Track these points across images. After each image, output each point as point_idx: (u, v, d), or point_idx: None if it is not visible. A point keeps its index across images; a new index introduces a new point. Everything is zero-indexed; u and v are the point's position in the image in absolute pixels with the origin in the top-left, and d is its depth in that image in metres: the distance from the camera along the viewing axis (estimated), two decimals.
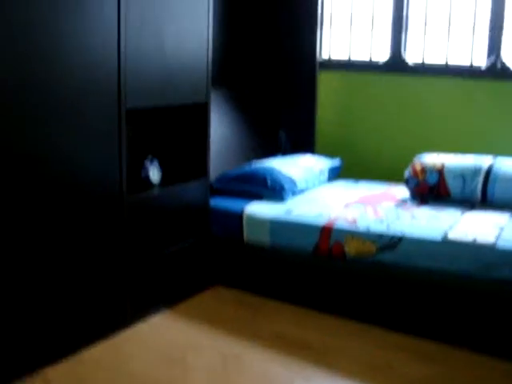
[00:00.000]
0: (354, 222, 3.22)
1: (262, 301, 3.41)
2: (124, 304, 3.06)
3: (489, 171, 3.48)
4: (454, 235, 2.97)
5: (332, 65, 4.59)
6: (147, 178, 3.28)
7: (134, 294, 3.11)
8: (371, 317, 3.15)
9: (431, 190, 3.59)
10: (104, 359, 2.78)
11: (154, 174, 3.32)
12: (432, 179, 3.58)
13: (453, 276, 2.93)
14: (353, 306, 3.22)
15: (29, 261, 2.54)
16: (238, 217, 3.48)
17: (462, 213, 3.34)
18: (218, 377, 2.66)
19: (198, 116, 3.50)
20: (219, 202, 3.61)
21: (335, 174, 4.24)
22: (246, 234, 3.45)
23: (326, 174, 4.13)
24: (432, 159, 3.66)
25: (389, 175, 4.19)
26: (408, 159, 3.87)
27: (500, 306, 2.86)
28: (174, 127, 3.55)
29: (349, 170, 4.34)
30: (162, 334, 3.07)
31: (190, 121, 3.52)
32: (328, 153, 4.40)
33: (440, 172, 3.56)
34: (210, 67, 3.45)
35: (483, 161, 3.57)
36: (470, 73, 4.10)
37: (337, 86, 4.58)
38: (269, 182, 3.65)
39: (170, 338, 3.01)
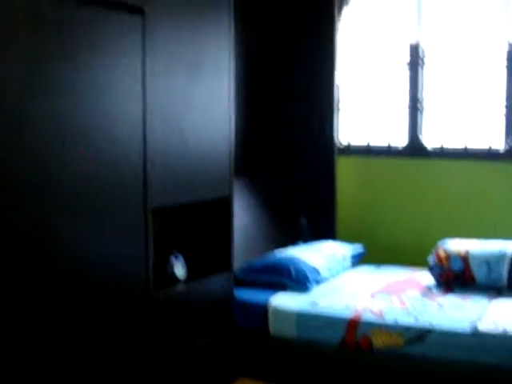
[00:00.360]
0: (381, 314, 3.19)
1: None
2: None
3: None
4: (483, 326, 2.94)
5: (351, 150, 4.65)
6: (173, 273, 3.29)
7: None
8: None
9: (456, 277, 3.56)
10: None
11: (179, 269, 3.32)
12: (457, 266, 3.55)
13: (483, 368, 2.88)
14: None
15: (55, 357, 2.52)
16: (263, 309, 3.46)
17: (489, 300, 3.30)
18: None
19: (222, 209, 3.53)
20: (243, 294, 3.59)
21: (358, 260, 4.23)
22: (272, 327, 3.42)
23: (349, 261, 4.11)
24: (456, 245, 3.64)
25: (412, 260, 4.16)
26: (430, 244, 3.87)
27: None
28: (198, 222, 3.58)
29: (371, 254, 4.31)
30: None
31: (214, 214, 3.54)
32: (349, 238, 4.40)
33: (464, 259, 3.54)
34: (232, 159, 3.50)
35: (508, 246, 3.55)
36: (489, 156, 4.14)
37: (356, 171, 4.62)
38: (293, 272, 3.64)
39: None
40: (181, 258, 3.36)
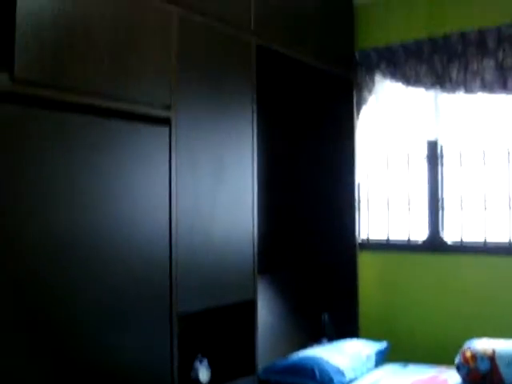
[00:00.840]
0: None
1: None
2: None
3: None
4: None
5: (371, 245, 4.67)
6: (197, 379, 3.26)
7: None
8: None
9: (484, 378, 3.49)
10: None
11: (204, 374, 3.29)
12: (484, 366, 3.49)
13: None
14: None
15: None
16: None
17: None
18: None
19: (246, 312, 3.52)
20: None
21: (382, 358, 4.16)
22: None
23: (373, 359, 4.04)
24: (482, 345, 3.58)
25: (437, 357, 4.09)
26: (455, 340, 3.83)
27: None
28: (223, 325, 3.56)
29: (395, 351, 4.25)
30: None
31: (238, 317, 3.53)
32: (373, 334, 4.35)
33: (491, 359, 3.48)
34: (256, 260, 3.52)
35: None
36: (509, 250, 4.13)
37: (377, 266, 4.62)
38: (317, 373, 3.59)
39: None
40: (205, 361, 3.34)
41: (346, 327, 4.43)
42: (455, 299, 4.26)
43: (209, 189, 3.19)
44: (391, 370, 4.02)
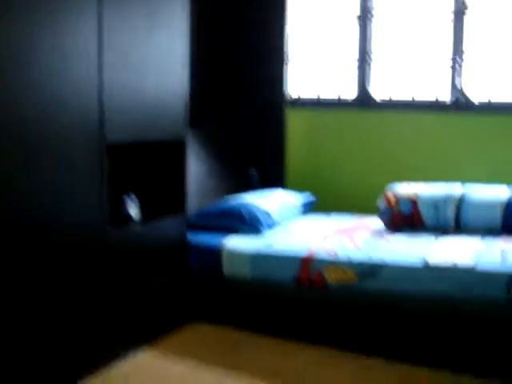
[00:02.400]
0: (334, 252, 3.20)
1: (245, 335, 3.34)
2: (104, 341, 2.96)
3: (460, 199, 3.53)
4: (434, 260, 2.98)
5: (302, 103, 4.65)
6: (127, 213, 3.22)
7: (114, 331, 3.02)
8: (355, 344, 3.11)
9: (405, 220, 3.61)
10: None
11: (133, 209, 3.26)
12: (406, 209, 3.60)
13: (434, 299, 2.93)
14: (337, 335, 3.18)
15: (16, 295, 2.46)
16: (217, 251, 3.43)
17: (436, 238, 3.37)
18: None
19: (176, 153, 3.49)
20: (197, 237, 3.56)
21: (308, 209, 4.23)
22: (226, 268, 3.40)
23: (299, 209, 4.12)
24: (404, 189, 3.69)
25: (361, 207, 4.20)
26: (379, 191, 3.91)
27: (482, 325, 2.86)
28: (153, 163, 3.52)
29: (321, 203, 4.34)
30: (144, 370, 2.97)
31: (168, 158, 3.50)
32: (299, 188, 4.40)
33: (413, 202, 3.58)
34: (187, 107, 3.47)
35: (454, 189, 3.62)
36: (435, 107, 4.19)
37: (306, 123, 4.63)
38: (245, 216, 3.63)
39: (152, 375, 2.92)
40: (135, 198, 3.30)
41: (273, 181, 4.45)
42: (380, 153, 4.36)
43: (139, 42, 3.08)
44: (316, 218, 4.10)
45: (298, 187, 4.43)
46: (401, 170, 4.24)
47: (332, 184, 4.47)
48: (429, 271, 2.94)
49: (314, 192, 4.34)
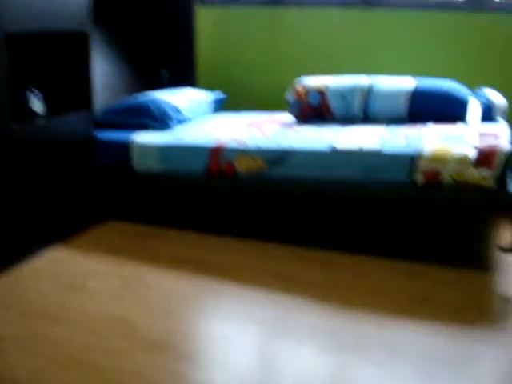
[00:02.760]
0: (243, 141, 3.20)
1: (158, 229, 3.35)
2: (15, 239, 2.91)
3: (367, 89, 3.57)
4: (340, 145, 3.04)
5: (211, 1, 4.57)
6: (30, 108, 3.10)
7: (24, 228, 2.96)
8: (267, 233, 3.18)
9: (314, 111, 3.63)
10: None
11: (37, 105, 3.14)
12: (314, 100, 3.62)
13: (341, 183, 3.00)
14: (247, 223, 3.23)
15: None
16: (127, 146, 3.38)
17: (344, 127, 3.42)
18: (122, 297, 2.59)
19: (80, 47, 3.35)
20: (106, 134, 3.49)
21: (219, 106, 4.20)
22: (136, 162, 3.36)
23: (211, 106, 4.08)
24: (314, 81, 3.70)
25: (271, 104, 4.20)
26: (289, 87, 3.91)
27: (387, 207, 2.96)
28: (56, 57, 3.38)
29: (232, 102, 4.32)
30: (57, 265, 2.96)
31: (72, 52, 3.37)
32: (210, 87, 4.36)
33: (322, 93, 3.60)
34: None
35: (361, 80, 3.65)
36: (345, 3, 4.18)
37: (217, 21, 4.56)
38: (154, 111, 3.56)
39: (66, 268, 2.92)
40: (38, 94, 3.17)
41: (183, 80, 4.38)
42: (290, 49, 4.36)
43: None
44: (228, 115, 4.08)
45: (208, 86, 4.39)
46: (311, 65, 4.24)
47: (243, 81, 4.45)
48: (336, 156, 3.00)
49: (226, 90, 4.30)
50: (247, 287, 2.68)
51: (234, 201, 3.21)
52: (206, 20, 4.53)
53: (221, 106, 4.23)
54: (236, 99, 4.36)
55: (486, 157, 2.80)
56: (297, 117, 3.71)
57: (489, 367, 2.05)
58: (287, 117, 3.78)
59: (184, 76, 4.47)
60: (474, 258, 2.95)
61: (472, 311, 2.44)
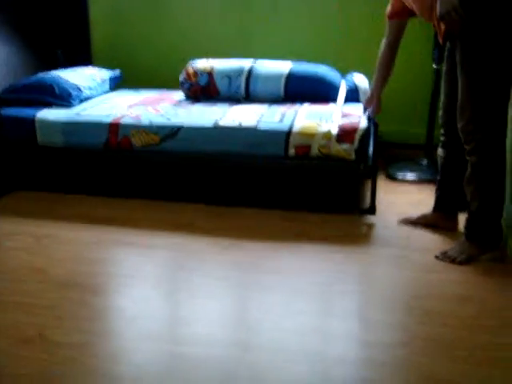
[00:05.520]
0: (138, 118, 3.78)
1: (64, 195, 3.88)
2: None
3: (250, 71, 4.21)
4: (223, 122, 3.66)
5: None
6: None
7: None
8: (162, 194, 3.83)
9: (203, 91, 4.26)
10: None
11: None
12: (203, 81, 4.24)
13: (225, 155, 3.63)
14: (144, 188, 3.85)
15: None
16: (30, 122, 3.84)
17: (230, 106, 4.04)
18: (36, 252, 3.09)
19: None
20: (9, 111, 3.94)
21: (116, 84, 4.73)
22: (39, 138, 3.84)
23: (108, 84, 4.61)
24: (202, 64, 4.31)
25: (166, 83, 4.77)
26: (182, 66, 4.47)
27: (264, 176, 3.66)
28: None
29: (129, 80, 4.85)
30: None
31: None
32: (107, 66, 4.84)
33: (210, 74, 4.23)
34: None
35: (245, 62, 4.28)
36: None
37: (110, 2, 5.00)
38: (56, 89, 4.05)
39: None
40: None
41: (80, 61, 4.82)
42: (182, 30, 4.91)
43: None
44: (125, 92, 4.63)
45: (105, 64, 4.86)
46: (203, 46, 4.82)
47: (139, 60, 4.95)
48: (219, 131, 3.61)
49: (123, 69, 4.80)
50: (147, 236, 3.30)
51: (131, 170, 3.84)
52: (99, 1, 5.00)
53: (118, 84, 4.76)
54: (133, 77, 4.87)
55: (346, 133, 3.49)
56: (188, 96, 4.32)
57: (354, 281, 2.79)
58: (180, 95, 4.40)
59: (80, 56, 4.93)
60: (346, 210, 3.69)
61: (343, 240, 3.26)
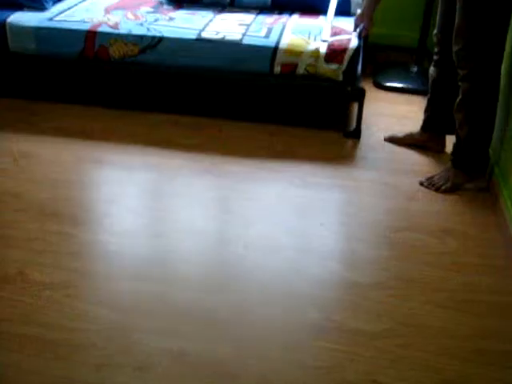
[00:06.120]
0: (117, 26, 3.61)
1: (40, 104, 3.75)
2: None
3: None
4: (206, 34, 3.52)
5: None
6: None
7: None
8: (139, 105, 3.76)
9: None
10: None
11: None
12: None
13: (207, 71, 3.51)
14: (121, 98, 3.76)
15: None
16: (1, 27, 3.64)
17: (215, 15, 3.86)
18: (13, 175, 3.03)
19: None
20: None
21: None
22: (11, 43, 3.67)
23: None
24: None
25: None
26: None
27: (248, 92, 3.58)
28: None
29: None
30: None
31: None
32: None
33: None
34: None
35: None
36: None
37: None
38: None
39: None
40: None
41: None
42: None
43: None
44: None
45: None
46: None
47: None
48: (200, 44, 3.47)
49: None
50: (126, 154, 3.25)
51: (108, 81, 3.72)
52: None
53: None
54: None
55: (335, 53, 3.38)
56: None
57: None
58: None
59: None
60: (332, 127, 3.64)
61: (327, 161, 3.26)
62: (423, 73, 4.15)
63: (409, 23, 4.52)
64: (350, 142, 3.51)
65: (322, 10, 3.91)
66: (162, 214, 2.80)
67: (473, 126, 2.94)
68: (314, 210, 2.86)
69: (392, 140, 3.50)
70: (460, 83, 2.91)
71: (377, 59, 4.60)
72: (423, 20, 4.29)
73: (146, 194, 3.00)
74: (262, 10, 3.99)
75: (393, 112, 3.90)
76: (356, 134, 3.52)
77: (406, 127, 3.60)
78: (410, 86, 4.23)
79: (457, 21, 2.80)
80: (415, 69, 4.41)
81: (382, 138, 3.53)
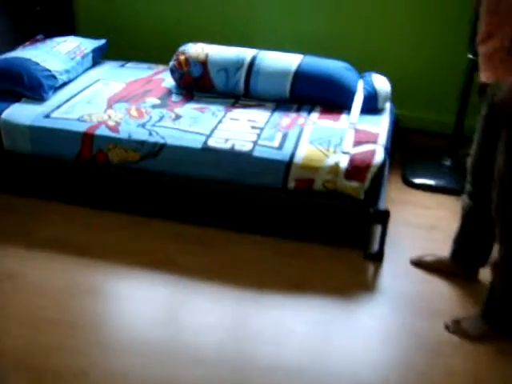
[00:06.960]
0: (116, 128, 3.32)
1: (37, 204, 3.52)
2: None
3: (251, 64, 3.67)
4: (213, 142, 3.21)
5: None
6: None
7: None
8: (141, 210, 3.49)
9: (196, 82, 3.76)
10: None
11: None
12: (196, 71, 3.72)
13: (213, 183, 3.22)
14: (122, 202, 3.49)
15: None
16: None
17: (226, 112, 3.54)
18: None
19: None
20: None
21: (100, 55, 4.24)
22: (5, 142, 3.43)
23: (91, 57, 4.11)
24: (196, 50, 3.77)
25: (156, 56, 4.29)
26: (174, 40, 4.03)
27: (259, 206, 3.28)
28: None
29: (115, 50, 4.36)
30: None
31: None
32: (91, 32, 4.37)
33: (204, 65, 3.72)
34: None
35: (246, 53, 3.73)
36: None
37: None
38: (25, 78, 3.57)
39: None
40: None
41: (62, 24, 4.37)
42: (181, 7, 4.42)
43: None
44: (108, 69, 4.15)
45: (90, 31, 4.40)
46: (201, 27, 4.36)
47: (127, 28, 4.47)
48: (207, 154, 3.16)
49: (108, 36, 4.30)
50: (124, 280, 3.01)
51: (107, 185, 3.45)
52: None
53: (104, 54, 4.28)
54: (119, 47, 4.41)
55: (357, 169, 3.06)
56: (178, 85, 3.83)
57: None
58: (171, 81, 3.88)
59: (62, 19, 4.48)
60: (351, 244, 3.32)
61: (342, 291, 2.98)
62: (456, 167, 3.87)
63: (444, 106, 4.20)
64: (370, 267, 3.18)
65: (346, 106, 3.57)
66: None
67: (508, 288, 2.65)
68: (323, 358, 2.55)
69: (419, 264, 3.18)
70: (496, 243, 2.63)
71: (408, 142, 4.28)
72: (459, 106, 3.95)
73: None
74: (280, 102, 3.66)
75: (421, 221, 3.56)
76: (378, 257, 3.19)
77: (435, 243, 3.29)
78: (441, 184, 3.89)
79: (495, 172, 2.49)
80: (448, 162, 4.07)
81: (408, 260, 3.21)
